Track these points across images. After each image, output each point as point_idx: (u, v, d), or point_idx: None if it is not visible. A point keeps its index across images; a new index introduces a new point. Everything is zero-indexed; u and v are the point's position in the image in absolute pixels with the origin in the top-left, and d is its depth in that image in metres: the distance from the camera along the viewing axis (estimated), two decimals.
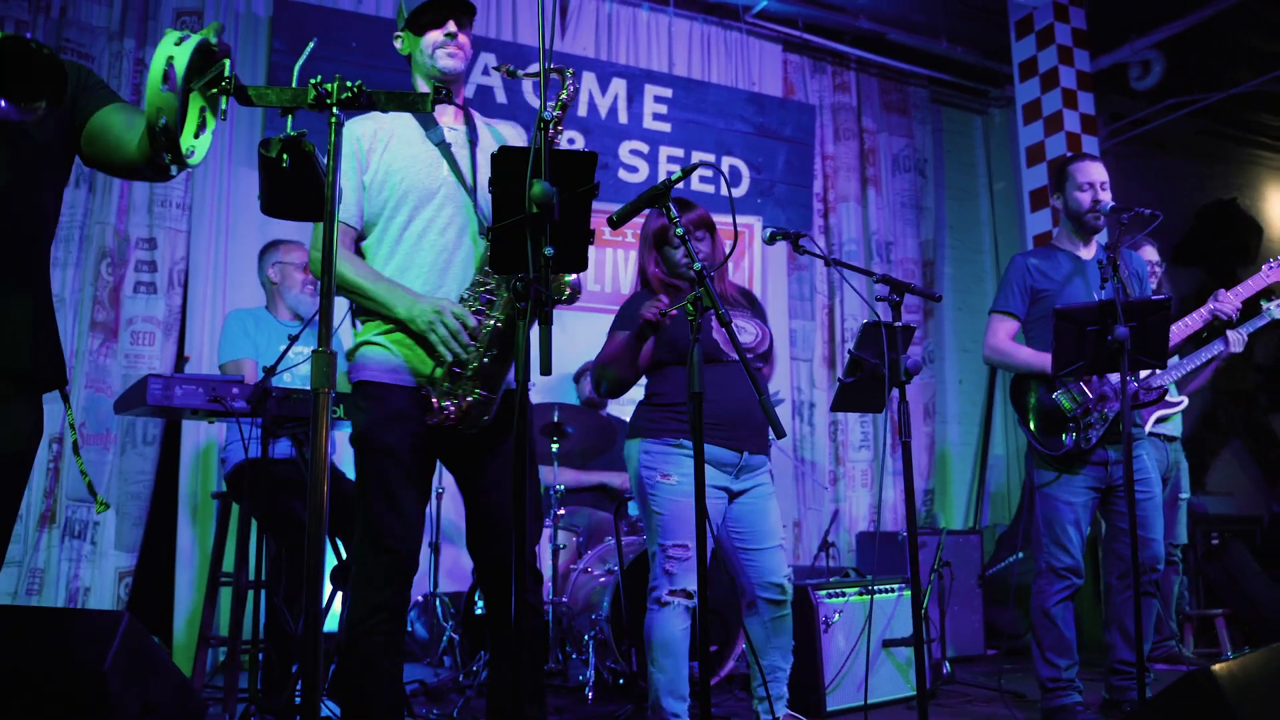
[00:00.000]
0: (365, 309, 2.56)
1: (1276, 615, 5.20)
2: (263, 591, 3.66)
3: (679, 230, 2.30)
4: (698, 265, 2.21)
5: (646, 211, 2.69)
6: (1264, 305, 4.15)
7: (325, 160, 1.80)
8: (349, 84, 1.82)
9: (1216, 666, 1.84)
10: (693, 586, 3.01)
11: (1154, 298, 3.09)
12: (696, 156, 6.42)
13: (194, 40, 1.64)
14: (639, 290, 3.35)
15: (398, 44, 2.71)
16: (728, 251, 2.94)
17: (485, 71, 5.88)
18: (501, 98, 5.91)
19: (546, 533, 4.55)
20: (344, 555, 3.81)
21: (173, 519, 5.00)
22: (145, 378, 3.33)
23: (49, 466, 4.78)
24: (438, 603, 4.85)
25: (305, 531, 1.72)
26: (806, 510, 6.54)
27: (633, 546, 4.43)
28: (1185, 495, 4.84)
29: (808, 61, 7.11)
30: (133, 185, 5.08)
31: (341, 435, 4.19)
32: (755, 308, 3.44)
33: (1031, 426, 3.53)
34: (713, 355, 3.11)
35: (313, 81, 1.80)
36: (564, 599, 4.49)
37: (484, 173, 2.60)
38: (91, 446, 4.87)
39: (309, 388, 3.83)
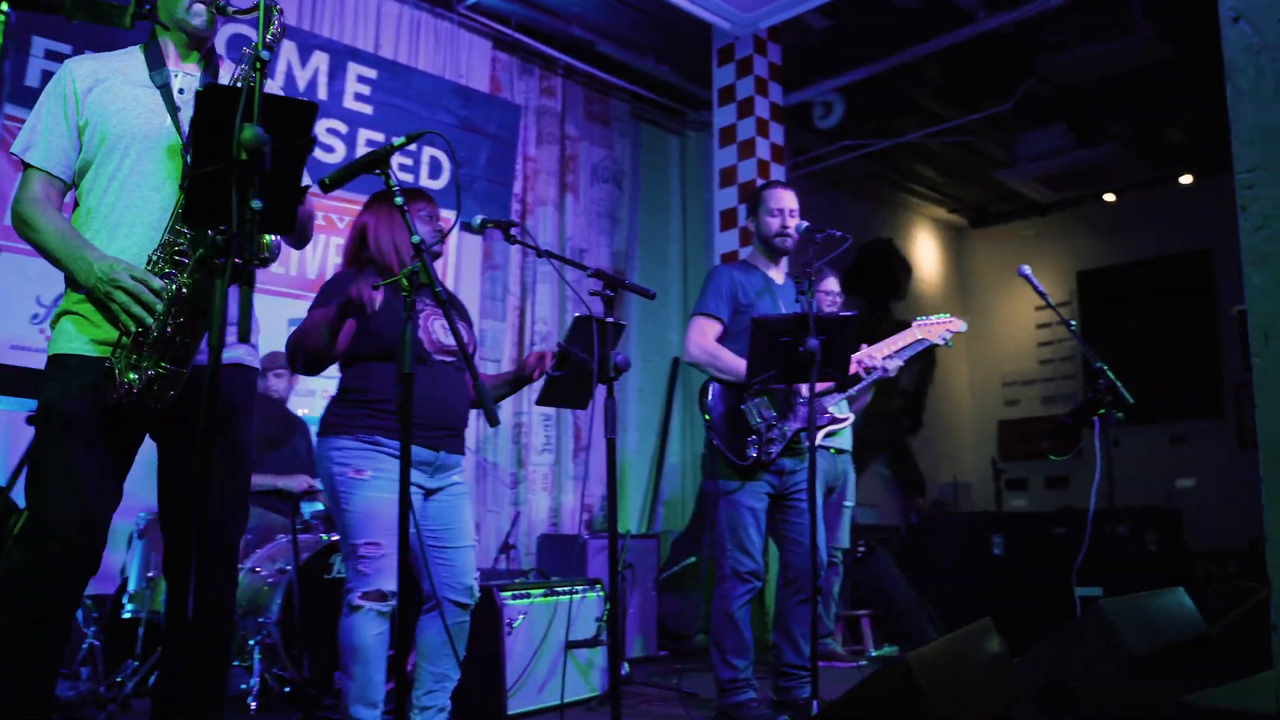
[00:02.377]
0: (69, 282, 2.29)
1: (913, 615, 5.69)
2: None
3: (399, 200, 2.16)
4: (416, 238, 2.08)
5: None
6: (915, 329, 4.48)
7: None
8: None
9: (910, 655, 1.97)
10: (388, 587, 2.84)
11: (842, 314, 3.27)
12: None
13: None
14: (341, 269, 3.15)
15: None
16: (446, 233, 2.81)
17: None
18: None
19: None
20: None
21: None
22: None
23: None
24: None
25: None
26: (487, 512, 6.45)
27: (308, 545, 4.18)
28: (850, 504, 5.21)
29: (516, 61, 7.06)
30: None
31: None
32: (458, 304, 3.33)
33: (721, 434, 3.64)
34: (416, 354, 2.94)
35: None
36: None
37: None
38: None
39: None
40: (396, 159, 6.19)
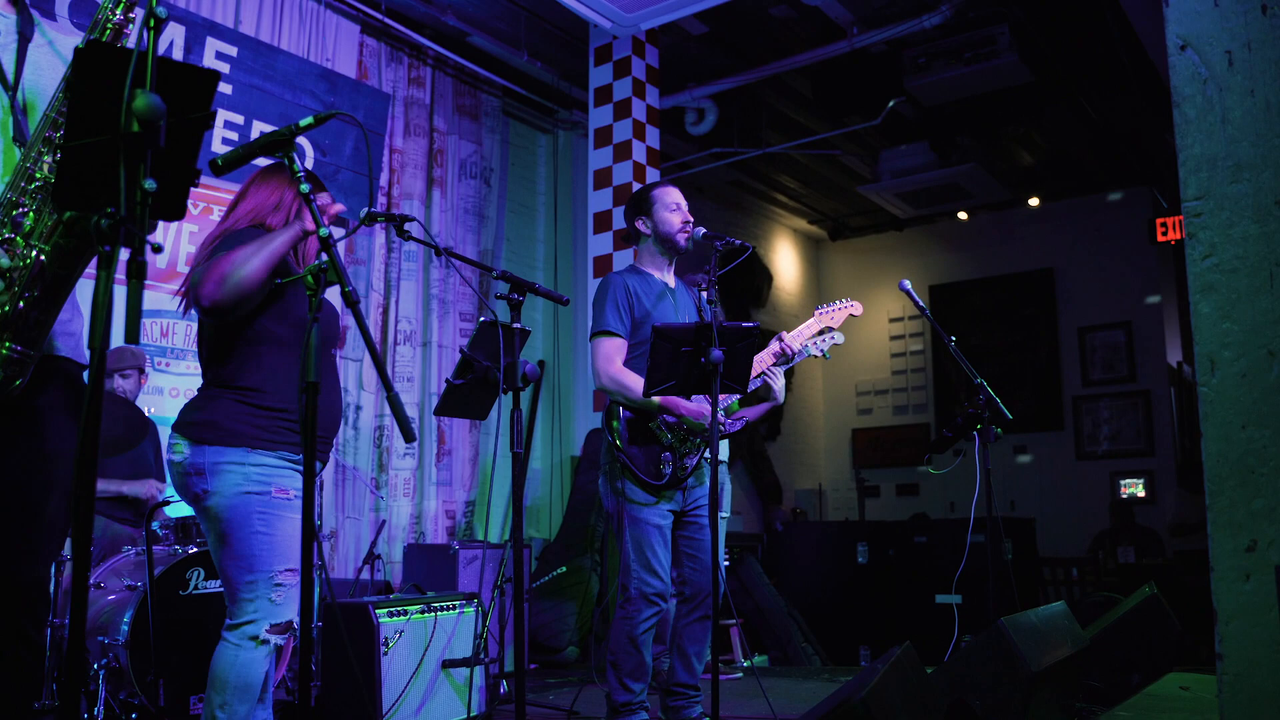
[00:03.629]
0: None
1: (783, 624, 5.71)
2: None
3: (304, 188, 1.96)
4: (324, 231, 1.89)
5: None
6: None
7: None
8: None
9: (865, 695, 1.88)
10: (295, 617, 2.54)
11: (743, 325, 3.19)
12: (259, 127, 5.84)
13: None
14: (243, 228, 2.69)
15: None
16: (353, 228, 2.60)
17: None
18: None
19: None
20: None
21: None
22: None
23: None
24: None
25: None
26: (346, 519, 6.16)
27: (160, 558, 3.85)
28: (726, 514, 5.15)
29: (385, 48, 6.79)
30: None
31: None
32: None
33: (630, 454, 3.48)
34: (328, 335, 2.68)
35: None
36: (64, 620, 3.78)
37: (35, 71, 2.10)
38: None
39: None
40: None
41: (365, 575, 5.25)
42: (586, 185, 6.87)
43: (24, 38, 2.11)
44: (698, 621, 3.54)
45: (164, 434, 4.92)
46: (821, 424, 11.13)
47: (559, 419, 7.60)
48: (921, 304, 4.32)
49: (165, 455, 2.67)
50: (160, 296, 5.39)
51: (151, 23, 1.56)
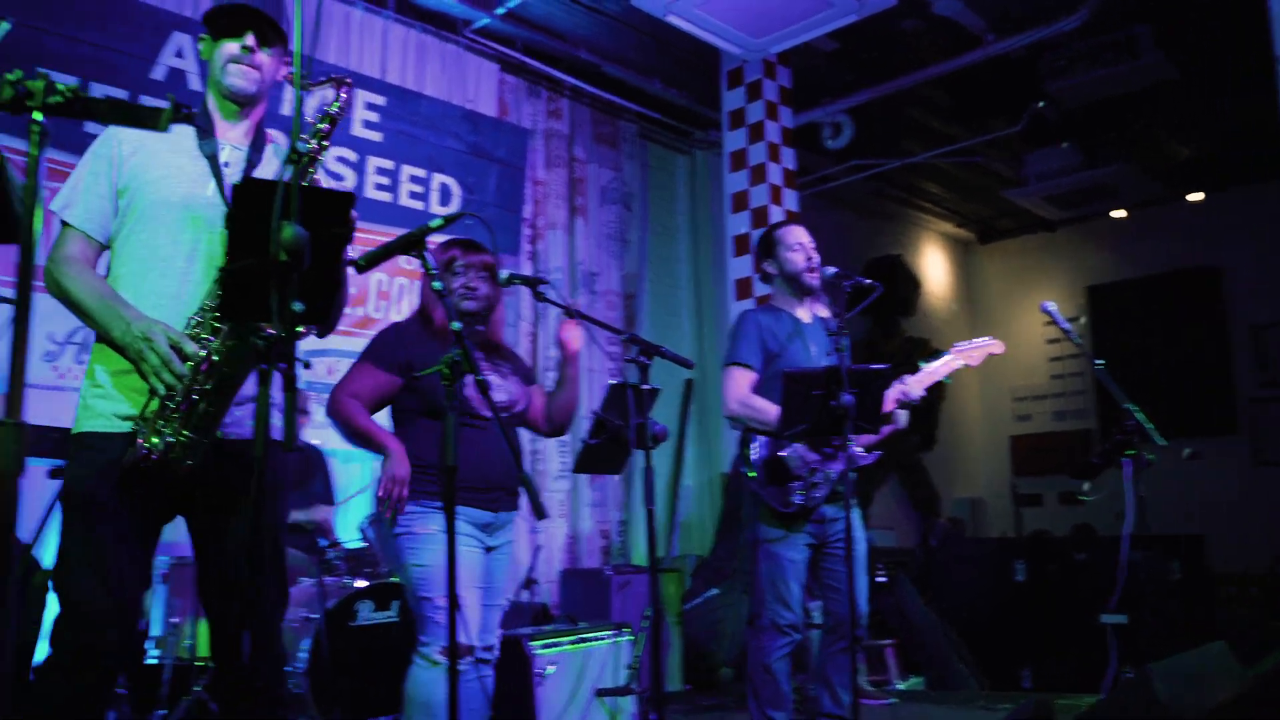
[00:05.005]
0: (100, 339, 2.23)
1: (938, 644, 5.65)
2: None
3: (436, 285, 2.11)
4: (456, 325, 2.03)
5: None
6: (922, 366, 4.38)
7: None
8: (62, 87, 1.49)
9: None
10: (466, 640, 2.84)
11: (874, 366, 3.22)
12: (407, 170, 6.15)
13: None
14: (405, 320, 3.19)
15: (200, 46, 2.41)
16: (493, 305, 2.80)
17: (179, 54, 5.32)
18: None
19: None
20: None
21: None
22: None
23: None
24: None
25: None
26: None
27: (332, 589, 4.12)
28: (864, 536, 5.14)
29: (524, 84, 7.02)
30: None
31: None
32: (515, 360, 3.30)
33: (763, 483, 3.56)
34: (466, 415, 2.94)
35: (10, 78, 1.46)
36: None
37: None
38: None
39: None
40: (406, 186, 6.15)
41: (524, 598, 5.45)
42: (725, 207, 6.93)
43: (251, 164, 2.36)
44: (842, 653, 3.57)
45: (332, 464, 5.27)
46: (977, 432, 10.86)
47: (708, 435, 7.68)
48: (1067, 326, 4.22)
49: None
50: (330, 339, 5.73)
51: (295, 157, 1.73)
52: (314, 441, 5.11)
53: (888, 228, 10.13)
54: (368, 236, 5.87)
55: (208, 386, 2.11)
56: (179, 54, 5.31)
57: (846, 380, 3.10)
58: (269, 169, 2.44)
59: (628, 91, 7.38)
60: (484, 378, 2.04)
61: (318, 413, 5.34)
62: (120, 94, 5.01)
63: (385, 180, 6.08)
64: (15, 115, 1.44)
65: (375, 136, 6.02)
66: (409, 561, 2.93)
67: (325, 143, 2.26)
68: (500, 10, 6.37)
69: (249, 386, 2.23)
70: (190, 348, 2.11)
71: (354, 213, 1.94)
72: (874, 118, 7.53)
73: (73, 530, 2.14)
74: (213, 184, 2.29)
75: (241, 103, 2.36)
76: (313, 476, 4.94)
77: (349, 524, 5.07)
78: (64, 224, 2.28)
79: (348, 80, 2.22)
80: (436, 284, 2.11)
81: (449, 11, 6.40)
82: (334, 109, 2.22)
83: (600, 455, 2.93)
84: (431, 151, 6.24)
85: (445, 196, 6.31)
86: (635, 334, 2.89)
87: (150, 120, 1.55)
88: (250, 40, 2.30)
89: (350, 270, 2.31)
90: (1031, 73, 6.76)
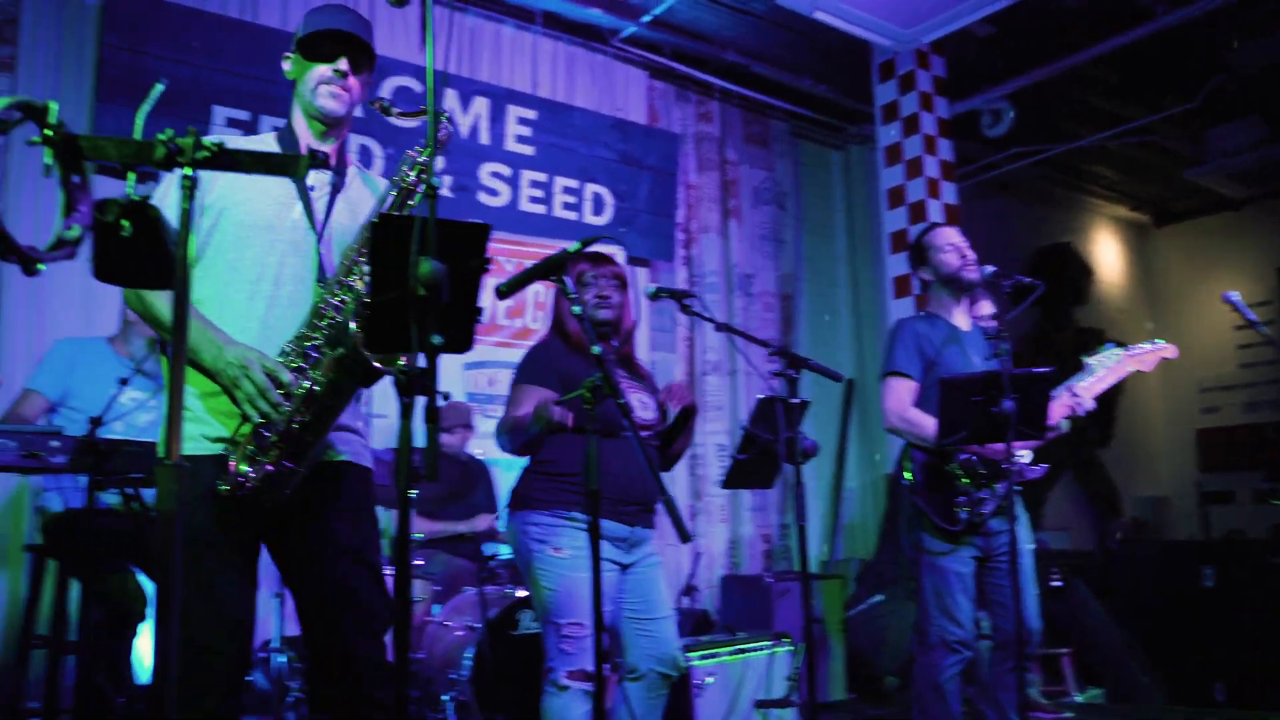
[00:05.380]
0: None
1: (1118, 654, 5.36)
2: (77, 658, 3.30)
3: (576, 310, 2.12)
4: (597, 349, 2.03)
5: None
6: (1085, 361, 4.14)
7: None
8: (207, 143, 1.55)
9: None
10: (591, 666, 2.84)
11: (1036, 370, 3.07)
12: (560, 182, 6.24)
13: None
14: (545, 340, 3.20)
15: (286, 65, 2.40)
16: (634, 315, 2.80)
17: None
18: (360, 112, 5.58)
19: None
20: None
21: None
22: None
23: None
24: (282, 657, 4.48)
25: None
26: (665, 546, 6.41)
27: (495, 598, 4.21)
28: (1030, 546, 4.91)
29: (672, 89, 7.03)
30: None
31: None
32: (651, 380, 3.31)
33: (926, 498, 3.44)
34: (608, 427, 2.96)
35: (161, 137, 1.52)
36: (420, 655, 4.23)
37: (340, 221, 2.34)
38: None
39: (144, 439, 3.49)
40: (560, 197, 6.25)
41: (685, 603, 5.46)
42: (880, 203, 6.77)
43: (335, 189, 2.37)
44: (1011, 672, 3.42)
45: (495, 473, 5.40)
46: (1160, 426, 10.27)
47: (870, 436, 7.52)
48: (1252, 316, 3.91)
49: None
50: (486, 349, 5.88)
51: (431, 192, 1.75)
52: (476, 453, 5.23)
53: (1055, 214, 9.69)
54: (524, 249, 5.99)
55: (307, 418, 2.12)
56: None
57: (1007, 385, 2.97)
58: (354, 193, 2.44)
59: (777, 90, 7.30)
60: (625, 400, 2.03)
61: (481, 424, 5.48)
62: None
63: (539, 193, 6.19)
64: (168, 171, 1.51)
65: (528, 150, 6.13)
66: (540, 580, 2.95)
67: (426, 175, 2.22)
68: (646, 18, 6.40)
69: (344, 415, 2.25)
70: (286, 377, 2.12)
71: (491, 242, 1.95)
72: (1036, 101, 7.21)
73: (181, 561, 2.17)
74: (299, 206, 2.30)
75: (330, 124, 2.35)
76: (475, 487, 5.06)
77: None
78: None
79: (446, 115, 2.21)
80: (576, 309, 2.12)
81: (596, 23, 6.46)
82: (441, 137, 2.20)
83: (749, 470, 2.89)
84: (583, 162, 6.32)
85: (598, 206, 6.37)
86: (784, 346, 2.82)
87: (290, 168, 1.60)
88: (343, 65, 2.30)
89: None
90: (1208, 43, 6.34)
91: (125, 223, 1.51)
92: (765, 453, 2.77)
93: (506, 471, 5.59)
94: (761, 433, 2.76)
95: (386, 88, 5.70)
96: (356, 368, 2.05)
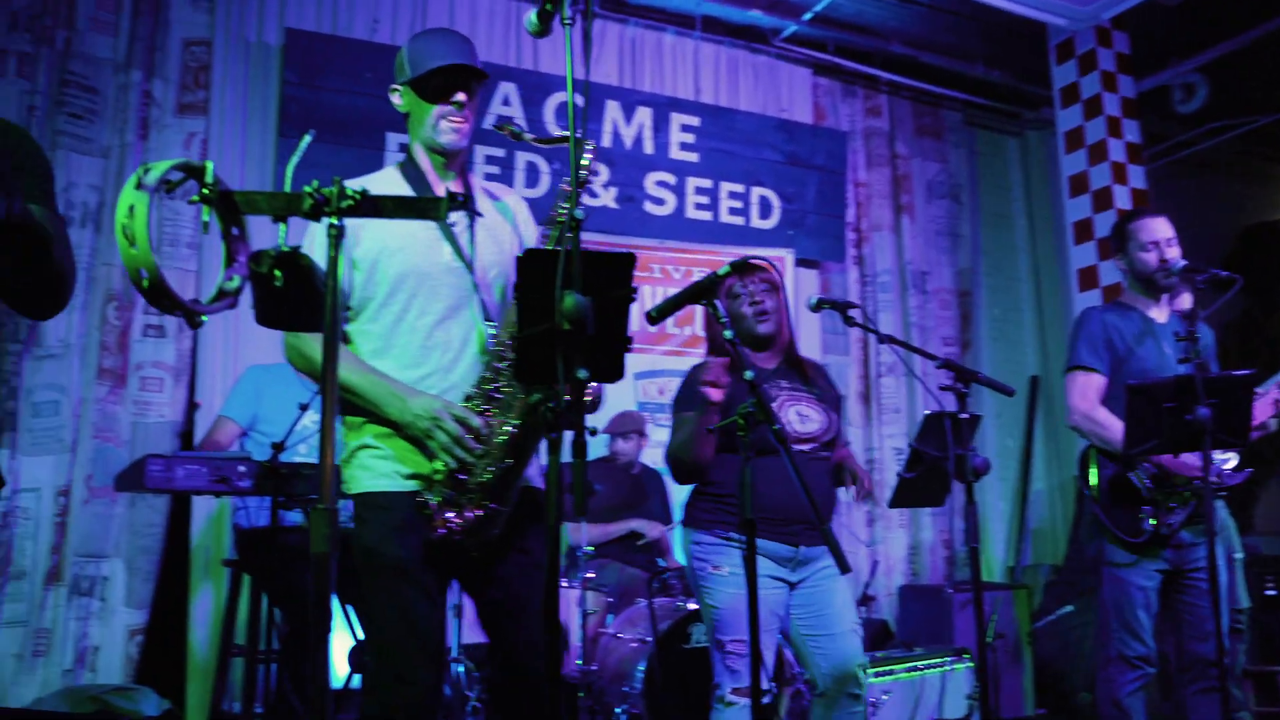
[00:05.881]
0: (350, 407, 2.26)
1: None
2: (274, 667, 3.48)
3: (728, 334, 2.07)
4: (749, 375, 1.98)
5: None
6: None
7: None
8: (351, 191, 1.59)
9: None
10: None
11: (1236, 373, 2.84)
12: (725, 188, 6.21)
13: (159, 170, 1.44)
14: (703, 362, 3.16)
15: (395, 98, 2.41)
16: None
17: (505, 102, 5.68)
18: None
19: (575, 595, 4.31)
20: (360, 635, 3.60)
21: (185, 575, 4.79)
22: (145, 458, 3.14)
23: (55, 521, 4.58)
24: (460, 666, 4.62)
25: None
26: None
27: (667, 611, 4.21)
28: (1240, 555, 4.55)
29: (838, 86, 6.89)
30: None
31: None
32: (823, 382, 3.18)
33: (1107, 507, 3.24)
34: (768, 445, 2.90)
35: (308, 189, 1.57)
36: (593, 667, 4.27)
37: (486, 252, 2.36)
38: (99, 500, 4.67)
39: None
40: (726, 203, 6.21)
41: (862, 613, 5.32)
42: (1062, 191, 6.43)
43: (472, 219, 2.38)
44: (1202, 694, 3.18)
45: (668, 484, 5.40)
46: None
47: (1057, 436, 7.17)
48: None
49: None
50: (656, 358, 5.89)
51: (574, 224, 1.75)
52: (648, 463, 5.25)
53: (1260, 192, 8.98)
54: (691, 256, 5.98)
55: (509, 461, 2.15)
56: (505, 102, 5.67)
57: (1202, 390, 2.75)
58: (491, 216, 2.43)
59: (948, 79, 7.04)
60: (780, 425, 1.97)
61: (655, 433, 5.50)
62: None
63: (704, 200, 6.17)
64: (315, 220, 1.55)
65: (692, 157, 6.13)
66: (705, 598, 2.96)
67: (572, 204, 2.26)
68: (808, 15, 6.29)
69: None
70: (476, 422, 2.14)
71: (635, 271, 1.93)
72: (1231, 72, 6.70)
73: (379, 593, 2.18)
74: (447, 247, 2.29)
75: (451, 156, 2.36)
76: (648, 495, 5.08)
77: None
78: None
79: (589, 141, 2.18)
80: (728, 333, 2.06)
81: (757, 23, 6.40)
82: (584, 171, 2.18)
83: (917, 489, 2.77)
84: (748, 165, 6.27)
85: (765, 209, 6.30)
86: (950, 359, 2.69)
87: (432, 211, 1.63)
88: (461, 97, 2.30)
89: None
90: None
91: (277, 272, 1.56)
92: (933, 470, 2.65)
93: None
94: (929, 450, 2.64)
95: (550, 104, 5.80)
96: (541, 405, 2.08)
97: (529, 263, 1.76)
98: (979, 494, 6.69)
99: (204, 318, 1.58)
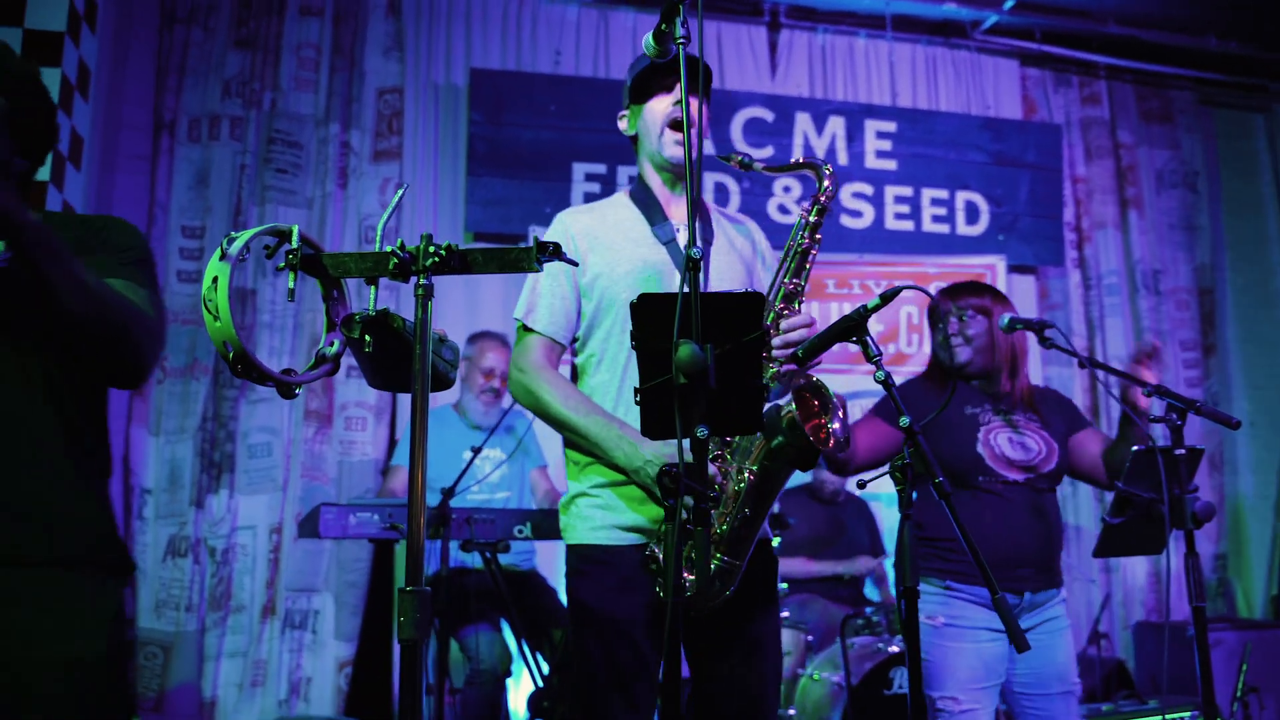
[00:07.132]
0: (576, 446, 2.14)
1: None
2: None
3: (879, 375, 1.83)
4: (905, 420, 1.75)
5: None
6: None
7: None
8: (436, 246, 1.47)
9: None
10: None
11: None
12: (927, 194, 5.86)
13: (243, 240, 1.37)
14: (920, 377, 2.93)
15: (622, 124, 2.32)
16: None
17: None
18: (710, 149, 5.53)
19: None
20: (541, 678, 3.52)
21: (389, 610, 4.90)
22: (318, 507, 3.20)
23: (269, 557, 4.78)
24: None
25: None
26: (1070, 580, 5.78)
27: (867, 651, 3.94)
28: None
29: (1049, 75, 6.39)
30: None
31: (544, 545, 3.94)
32: (1048, 406, 2.88)
33: None
34: (978, 474, 2.64)
35: (392, 248, 1.47)
36: (790, 711, 4.05)
37: (723, 279, 2.20)
38: (309, 537, 4.84)
39: (495, 505, 3.63)
40: (928, 210, 5.85)
41: (1091, 653, 4.83)
42: None
43: (707, 243, 2.26)
44: None
45: (877, 511, 5.11)
46: None
47: None
48: None
49: None
50: (858, 378, 5.55)
51: (690, 265, 1.57)
52: (856, 492, 4.98)
53: None
54: (892, 270, 5.67)
55: (747, 512, 1.99)
56: None
57: None
58: (725, 242, 2.28)
59: (1176, 56, 6.39)
60: (941, 481, 1.72)
61: None
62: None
63: (905, 209, 5.85)
64: (402, 282, 1.46)
65: (889, 165, 5.83)
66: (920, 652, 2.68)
67: (817, 235, 2.14)
68: (1009, 3, 5.86)
69: None
70: (710, 470, 1.97)
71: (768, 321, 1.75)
72: None
73: (597, 654, 2.06)
74: (676, 276, 2.13)
75: (680, 172, 2.21)
76: (847, 527, 4.81)
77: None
78: (525, 329, 2.19)
79: (828, 166, 2.04)
80: (880, 374, 1.82)
81: (954, 17, 6.03)
82: (823, 197, 2.12)
83: (1127, 535, 2.41)
84: (952, 169, 5.90)
85: (972, 215, 5.91)
86: (1161, 385, 2.33)
87: (524, 262, 1.50)
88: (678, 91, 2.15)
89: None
90: None
91: (368, 337, 1.48)
92: (1146, 515, 2.30)
93: (889, 507, 5.27)
94: (1139, 492, 2.29)
95: (737, 121, 5.63)
96: (794, 452, 1.94)
97: (642, 309, 1.60)
98: (1239, 516, 6.05)
99: (299, 389, 1.51)
